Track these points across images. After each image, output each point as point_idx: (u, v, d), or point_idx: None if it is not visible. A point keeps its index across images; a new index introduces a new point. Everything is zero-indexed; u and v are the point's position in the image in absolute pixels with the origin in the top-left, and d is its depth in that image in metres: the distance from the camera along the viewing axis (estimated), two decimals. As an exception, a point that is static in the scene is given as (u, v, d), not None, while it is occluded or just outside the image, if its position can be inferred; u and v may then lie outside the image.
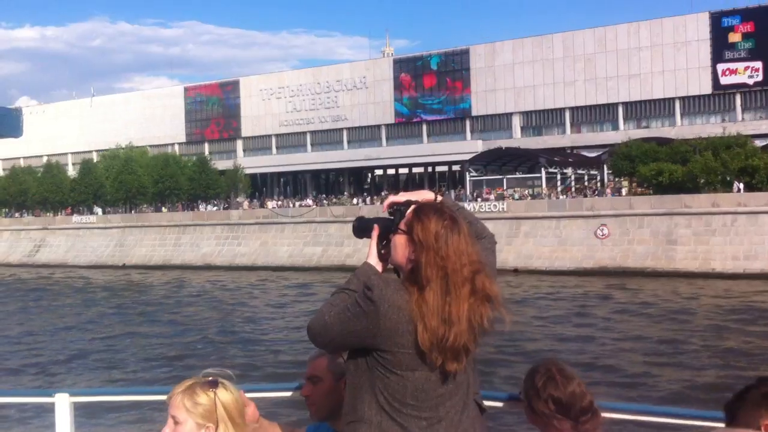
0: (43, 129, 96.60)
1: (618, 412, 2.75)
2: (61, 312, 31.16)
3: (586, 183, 62.61)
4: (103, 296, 36.82)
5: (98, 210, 62.75)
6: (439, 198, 2.50)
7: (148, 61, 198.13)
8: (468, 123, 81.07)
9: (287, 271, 45.47)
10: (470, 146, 77.91)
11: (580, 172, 62.74)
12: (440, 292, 2.21)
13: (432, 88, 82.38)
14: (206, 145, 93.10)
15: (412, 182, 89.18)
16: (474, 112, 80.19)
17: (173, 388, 2.20)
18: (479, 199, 49.62)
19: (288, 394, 3.12)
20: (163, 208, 60.93)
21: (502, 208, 42.86)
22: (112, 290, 40.15)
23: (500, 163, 61.39)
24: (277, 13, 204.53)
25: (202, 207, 64.11)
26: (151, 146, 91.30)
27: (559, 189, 55.82)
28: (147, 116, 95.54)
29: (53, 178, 65.75)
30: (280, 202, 64.06)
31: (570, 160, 62.98)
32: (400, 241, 2.34)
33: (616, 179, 55.38)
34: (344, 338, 2.31)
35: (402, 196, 2.50)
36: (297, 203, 64.71)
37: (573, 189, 57.03)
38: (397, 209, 2.42)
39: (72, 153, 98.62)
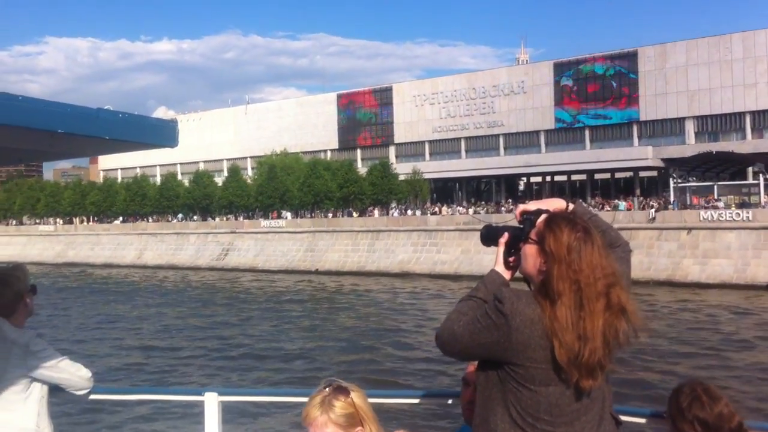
0: (199, 136, 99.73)
1: None
2: (252, 315, 31.63)
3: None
4: (300, 302, 36.84)
5: (287, 214, 63.38)
6: (571, 207, 2.44)
7: (278, 72, 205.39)
8: (635, 128, 77.59)
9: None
10: (639, 153, 74.60)
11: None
12: (573, 306, 2.14)
13: (595, 92, 79.41)
14: (358, 152, 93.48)
15: (572, 190, 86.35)
16: (642, 117, 76.65)
17: (305, 408, 2.18)
18: (696, 207, 46.59)
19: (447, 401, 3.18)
20: (354, 213, 60.81)
21: (747, 217, 39.83)
22: (307, 296, 40.15)
23: (703, 169, 58.01)
24: (401, 24, 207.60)
25: (376, 212, 63.75)
26: (304, 152, 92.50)
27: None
28: (300, 123, 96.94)
29: (237, 182, 67.05)
30: (461, 208, 62.85)
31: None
32: (530, 252, 2.28)
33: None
34: (473, 349, 2.28)
35: (533, 205, 2.43)
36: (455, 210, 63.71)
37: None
38: (528, 218, 2.35)
39: (226, 159, 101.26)
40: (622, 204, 54.19)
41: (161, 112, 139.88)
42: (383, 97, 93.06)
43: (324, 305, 36.11)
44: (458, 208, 64.57)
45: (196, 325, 29.43)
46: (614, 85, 77.95)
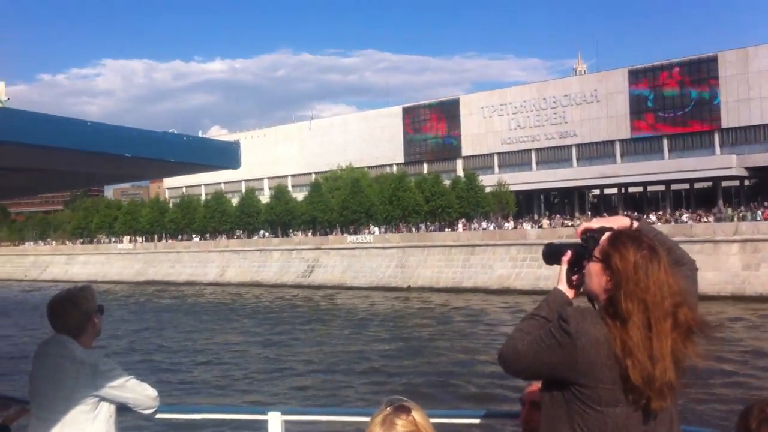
0: (263, 153, 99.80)
1: None
2: (343, 332, 31.11)
3: None
4: (388, 320, 35.82)
5: (374, 229, 62.44)
6: (636, 224, 2.41)
7: (328, 89, 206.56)
8: (717, 136, 75.21)
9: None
10: (721, 161, 72.38)
11: None
12: (641, 326, 2.12)
13: (674, 98, 77.33)
14: (425, 165, 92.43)
15: (648, 201, 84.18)
16: (724, 124, 74.30)
17: (367, 427, 2.18)
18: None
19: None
20: (447, 228, 59.63)
21: None
22: (397, 313, 39.17)
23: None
24: (450, 38, 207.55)
25: (460, 226, 62.50)
26: (369, 167, 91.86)
27: None
28: (365, 137, 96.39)
29: (321, 197, 66.41)
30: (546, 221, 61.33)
31: None
32: (595, 270, 2.26)
33: None
34: (537, 369, 2.28)
35: (596, 222, 2.42)
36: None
37: None
38: (591, 236, 2.34)
39: (291, 175, 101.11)
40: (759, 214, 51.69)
41: (215, 131, 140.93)
42: (449, 109, 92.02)
43: (413, 321, 35.14)
44: (561, 220, 62.94)
45: (278, 343, 29.15)
46: (693, 91, 75.84)
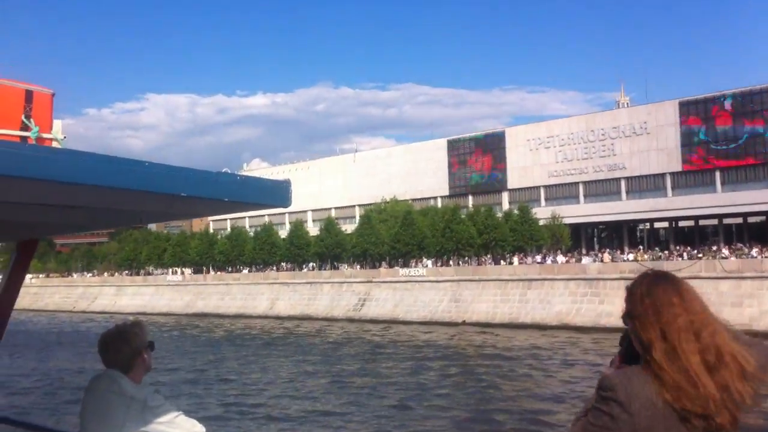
0: (308, 185, 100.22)
1: None
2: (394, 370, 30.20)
3: None
4: (444, 357, 34.86)
5: (427, 262, 61.83)
6: None
7: (368, 122, 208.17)
8: (773, 168, 73.70)
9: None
10: (776, 195, 70.81)
11: None
12: (666, 351, 1.99)
13: (726, 131, 75.99)
14: (470, 198, 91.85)
15: (700, 235, 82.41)
16: (779, 156, 72.80)
17: None
18: None
19: None
20: (502, 261, 58.74)
21: None
22: (453, 350, 38.21)
23: None
24: (488, 72, 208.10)
25: (516, 259, 61.52)
26: (414, 200, 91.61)
27: None
28: (410, 170, 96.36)
29: (371, 229, 66.14)
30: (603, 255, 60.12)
31: None
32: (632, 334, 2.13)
33: None
34: None
35: None
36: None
37: None
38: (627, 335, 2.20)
39: (335, 208, 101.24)
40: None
41: (255, 164, 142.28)
42: (495, 142, 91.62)
43: (471, 359, 34.22)
44: (622, 255, 61.70)
45: (335, 378, 28.76)
46: (746, 122, 74.50)
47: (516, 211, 64.57)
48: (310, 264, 72.44)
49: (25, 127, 3.29)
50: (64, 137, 3.51)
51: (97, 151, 2.34)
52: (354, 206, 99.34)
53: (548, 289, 50.66)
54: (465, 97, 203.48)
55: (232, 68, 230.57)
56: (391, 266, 66.93)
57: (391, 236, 63.61)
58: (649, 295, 2.07)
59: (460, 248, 60.24)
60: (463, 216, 61.40)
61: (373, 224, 66.42)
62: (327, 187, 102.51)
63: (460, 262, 61.95)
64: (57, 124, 3.53)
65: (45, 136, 3.36)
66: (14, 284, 4.41)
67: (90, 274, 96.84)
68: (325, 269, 69.56)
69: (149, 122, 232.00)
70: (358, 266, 68.99)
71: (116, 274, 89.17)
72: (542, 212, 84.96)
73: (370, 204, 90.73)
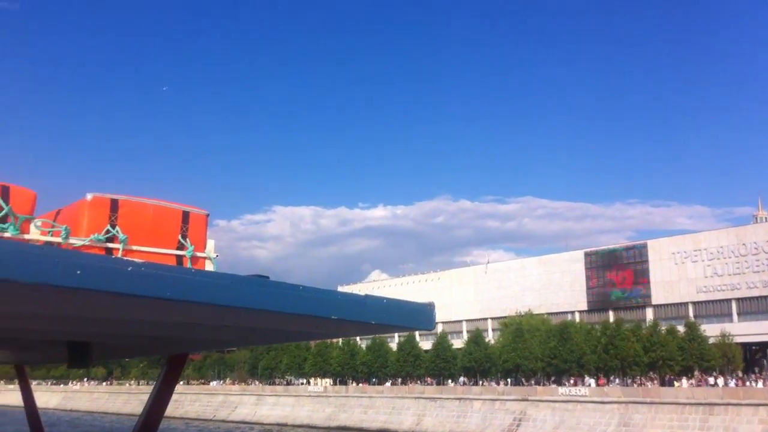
0: (437, 296, 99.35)
1: None
2: None
3: None
4: None
5: (590, 381, 58.82)
6: None
7: (486, 235, 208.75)
8: None
9: None
10: None
11: None
12: None
13: None
14: (610, 313, 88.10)
15: None
16: None
17: None
18: None
19: None
20: (676, 383, 54.98)
21: None
22: None
23: None
24: (610, 185, 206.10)
25: (684, 381, 57.44)
26: (549, 314, 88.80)
27: None
28: (544, 282, 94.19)
29: (518, 342, 64.09)
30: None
31: None
32: None
33: None
34: None
35: None
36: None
37: None
38: None
39: (466, 320, 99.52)
40: None
41: (375, 275, 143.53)
42: (636, 255, 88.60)
43: None
44: None
45: None
46: None
47: (681, 328, 60.92)
48: (461, 379, 70.11)
49: (181, 246, 3.52)
50: (217, 255, 3.69)
51: (226, 260, 2.49)
52: (486, 319, 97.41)
53: (733, 416, 46.58)
54: (586, 210, 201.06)
55: (354, 182, 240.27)
56: (539, 383, 64.06)
57: (546, 351, 61.11)
58: None
59: (625, 366, 56.99)
60: (627, 331, 58.31)
61: (525, 338, 64.17)
62: (457, 298, 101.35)
63: (622, 382, 58.49)
64: (210, 243, 3.73)
65: (199, 254, 3.58)
66: (163, 397, 4.48)
67: (224, 382, 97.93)
68: (471, 383, 67.32)
69: (275, 233, 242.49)
70: (504, 382, 66.40)
71: (256, 382, 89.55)
72: (717, 329, 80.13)
73: (504, 317, 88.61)
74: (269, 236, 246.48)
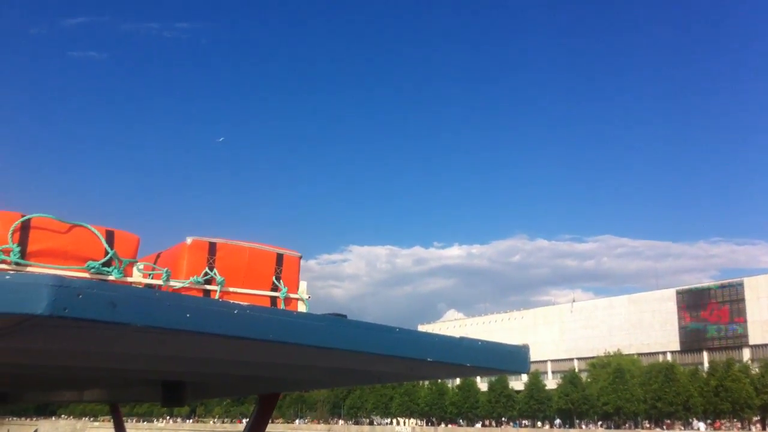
0: (521, 335, 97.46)
1: None
2: None
3: None
4: None
5: (699, 424, 56.37)
6: None
7: (563, 274, 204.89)
8: None
9: None
10: None
11: None
12: None
13: None
14: (704, 354, 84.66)
15: None
16: None
17: None
18: None
19: None
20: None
21: None
22: None
23: None
24: (692, 224, 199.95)
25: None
26: (639, 354, 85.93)
27: None
28: (633, 322, 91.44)
29: (618, 384, 61.99)
30: None
31: None
32: None
33: None
34: None
35: None
36: None
37: None
38: None
39: (551, 360, 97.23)
40: None
41: (451, 314, 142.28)
42: (732, 293, 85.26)
43: None
44: None
45: None
46: None
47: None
48: (557, 421, 68.01)
49: (275, 288, 3.60)
50: (309, 297, 3.73)
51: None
52: (572, 359, 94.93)
53: None
54: (667, 249, 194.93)
55: (430, 222, 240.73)
56: (638, 425, 61.63)
57: (649, 393, 58.78)
58: None
59: (737, 409, 54.31)
60: (738, 372, 55.73)
61: (626, 378, 61.97)
62: (541, 337, 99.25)
63: (732, 425, 55.71)
64: (303, 285, 3.77)
65: (292, 296, 3.65)
66: None
67: (306, 421, 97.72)
68: (566, 426, 65.28)
69: (351, 272, 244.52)
70: (604, 425, 64.06)
71: (340, 422, 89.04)
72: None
73: (592, 357, 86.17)
74: (345, 276, 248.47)
